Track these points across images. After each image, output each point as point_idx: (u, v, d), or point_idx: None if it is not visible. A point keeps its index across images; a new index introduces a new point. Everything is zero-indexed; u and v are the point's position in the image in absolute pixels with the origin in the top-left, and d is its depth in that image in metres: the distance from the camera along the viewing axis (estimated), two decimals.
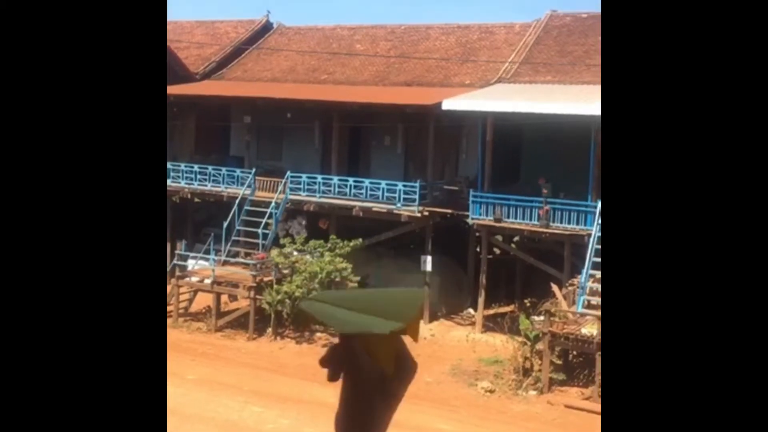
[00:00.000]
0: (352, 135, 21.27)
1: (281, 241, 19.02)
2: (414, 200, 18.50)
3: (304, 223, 20.44)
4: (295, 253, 18.44)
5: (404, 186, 18.75)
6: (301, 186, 19.98)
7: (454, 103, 17.73)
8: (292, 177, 20.12)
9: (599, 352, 13.87)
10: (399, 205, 18.66)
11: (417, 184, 18.58)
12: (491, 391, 14.61)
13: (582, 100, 16.92)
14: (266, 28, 26.26)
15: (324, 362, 0.97)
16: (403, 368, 0.96)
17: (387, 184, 18.89)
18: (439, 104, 17.73)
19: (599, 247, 15.53)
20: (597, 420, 13.31)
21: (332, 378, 0.98)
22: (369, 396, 0.96)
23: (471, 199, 17.73)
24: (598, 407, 13.62)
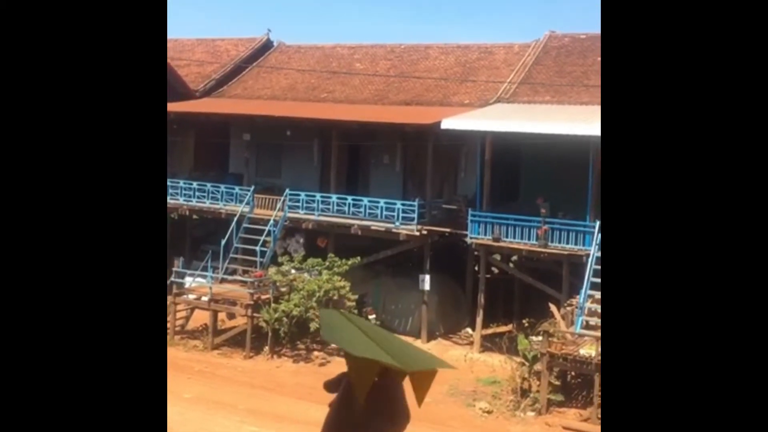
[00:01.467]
0: (351, 153, 21.32)
1: (279, 259, 18.98)
2: (412, 219, 18.49)
3: (302, 241, 20.41)
4: (293, 271, 18.39)
5: (403, 205, 18.76)
6: (300, 204, 19.97)
7: (453, 122, 17.79)
8: (290, 195, 20.12)
9: (598, 373, 13.79)
10: (397, 223, 18.65)
11: (416, 203, 18.59)
12: (489, 412, 14.51)
13: (580, 120, 16.98)
14: (266, 46, 26.40)
15: (329, 387, 0.97)
16: (398, 414, 0.95)
17: (385, 203, 18.90)
18: (438, 123, 17.79)
19: (598, 267, 15.51)
20: None
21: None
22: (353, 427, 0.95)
23: (469, 218, 17.73)
24: (596, 429, 13.52)
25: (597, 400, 13.81)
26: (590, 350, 14.17)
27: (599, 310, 15.61)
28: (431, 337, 19.02)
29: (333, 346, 16.75)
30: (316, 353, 17.64)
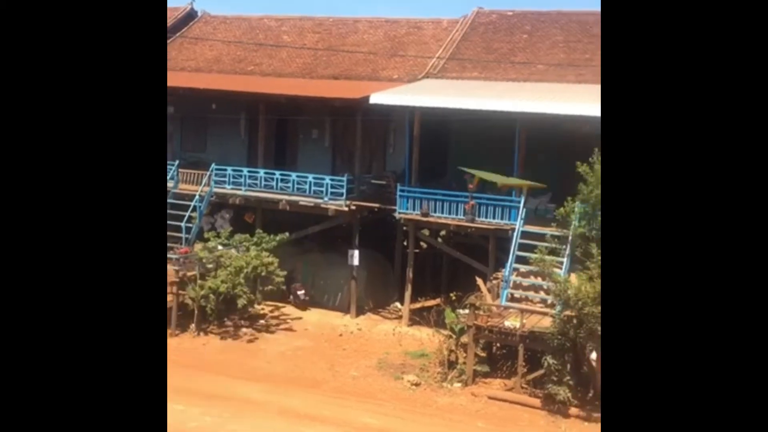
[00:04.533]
0: (279, 127, 20.99)
1: (205, 235, 18.60)
2: (341, 194, 18.42)
3: (229, 216, 20.05)
4: (220, 247, 18.06)
5: (331, 180, 18.65)
6: (227, 179, 19.59)
7: (382, 97, 17.73)
8: (217, 170, 19.70)
9: (522, 344, 14.16)
10: (326, 199, 18.54)
11: (344, 178, 18.50)
12: (417, 384, 14.72)
13: (507, 97, 17.21)
14: (190, 16, 25.59)
15: None
16: None
17: (314, 178, 18.74)
18: (367, 98, 17.70)
19: (523, 241, 15.86)
20: (519, 410, 13.61)
21: None
22: None
23: (398, 193, 17.79)
24: (520, 398, 13.93)
25: (521, 370, 14.19)
26: (515, 322, 14.52)
27: (524, 283, 16.00)
28: (360, 312, 19.10)
29: (261, 322, 16.42)
30: (244, 330, 17.44)
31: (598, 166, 13.50)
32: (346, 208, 18.44)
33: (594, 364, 13.91)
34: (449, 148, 20.00)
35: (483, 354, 15.13)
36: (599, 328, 13.27)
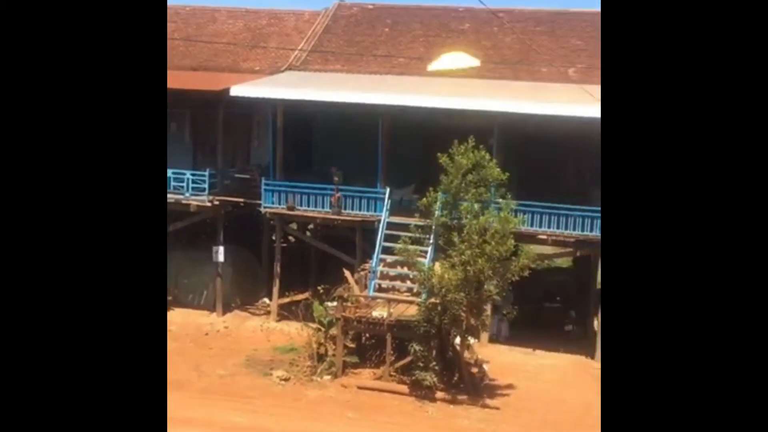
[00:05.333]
0: None
1: None
2: (203, 189, 17.89)
3: None
4: None
5: (192, 175, 18.05)
6: None
7: (243, 89, 17.35)
8: None
9: (390, 333, 14.39)
10: (187, 194, 17.93)
11: (206, 173, 17.98)
12: (286, 379, 14.58)
13: (369, 90, 17.37)
14: None
15: None
16: None
17: (174, 173, 18.05)
18: (227, 90, 17.26)
19: (388, 232, 16.09)
20: (388, 398, 13.83)
21: None
22: None
23: (263, 187, 17.51)
24: (388, 386, 14.15)
25: (389, 359, 14.42)
26: (382, 311, 14.72)
27: (390, 273, 16.25)
28: (227, 309, 18.67)
29: None
30: None
31: (458, 158, 13.91)
32: (209, 204, 17.92)
33: (458, 348, 14.37)
34: (313, 140, 19.93)
35: (352, 345, 15.23)
36: (463, 314, 13.72)
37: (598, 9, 20.63)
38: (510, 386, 14.70)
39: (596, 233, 15.95)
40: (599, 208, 16.26)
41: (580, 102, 15.53)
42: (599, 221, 16.00)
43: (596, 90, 16.82)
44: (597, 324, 17.06)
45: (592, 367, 16.25)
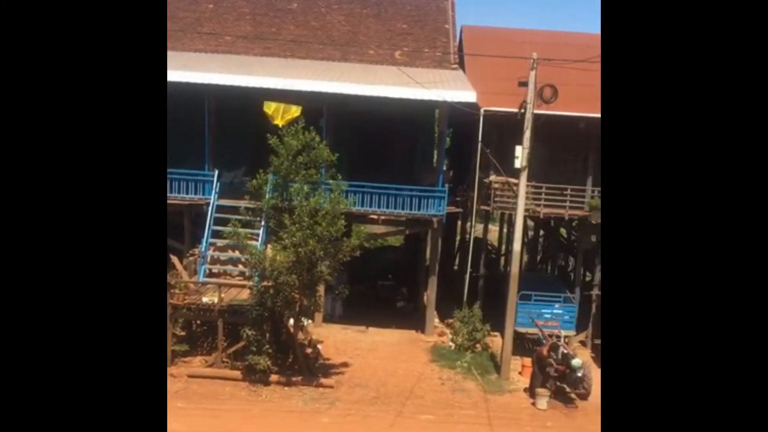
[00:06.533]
0: None
1: None
2: None
3: None
4: None
5: None
6: None
7: None
8: None
9: (221, 319, 14.05)
10: None
11: None
12: None
13: (194, 69, 16.71)
14: None
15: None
16: None
17: None
18: None
19: (218, 215, 15.65)
20: (220, 385, 13.53)
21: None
22: None
23: None
24: (221, 372, 13.84)
25: (221, 345, 14.09)
26: (213, 297, 14.33)
27: (222, 257, 15.84)
28: None
29: None
30: None
31: (288, 139, 13.77)
32: None
33: (292, 330, 14.34)
34: None
35: (182, 333, 14.72)
36: (295, 296, 13.69)
37: None
38: (344, 364, 14.92)
39: (424, 212, 16.51)
40: (427, 188, 16.87)
41: (407, 84, 15.93)
42: (427, 200, 16.60)
43: (420, 73, 17.37)
44: (426, 299, 17.73)
45: (422, 340, 16.90)
